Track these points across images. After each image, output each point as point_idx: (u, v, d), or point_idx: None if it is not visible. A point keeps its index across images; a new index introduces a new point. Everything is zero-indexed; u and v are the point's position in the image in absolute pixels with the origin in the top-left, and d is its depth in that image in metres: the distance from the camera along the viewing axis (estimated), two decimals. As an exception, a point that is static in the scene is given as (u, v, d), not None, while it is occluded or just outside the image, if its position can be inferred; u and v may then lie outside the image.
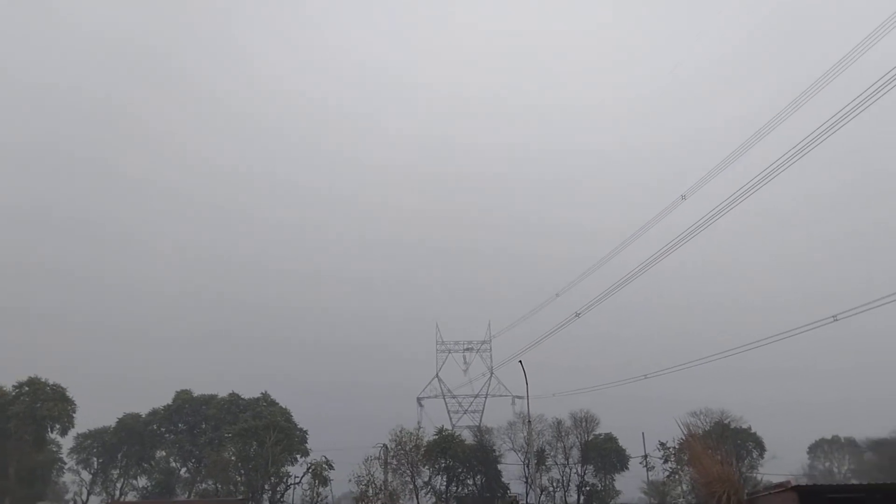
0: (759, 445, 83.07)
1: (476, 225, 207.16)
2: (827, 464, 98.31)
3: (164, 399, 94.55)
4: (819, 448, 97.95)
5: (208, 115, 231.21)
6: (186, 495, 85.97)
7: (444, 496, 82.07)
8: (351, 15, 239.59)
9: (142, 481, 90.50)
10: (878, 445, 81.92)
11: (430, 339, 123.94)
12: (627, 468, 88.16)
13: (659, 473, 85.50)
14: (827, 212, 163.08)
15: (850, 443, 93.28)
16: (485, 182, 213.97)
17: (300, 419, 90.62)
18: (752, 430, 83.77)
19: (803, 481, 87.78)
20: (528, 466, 78.20)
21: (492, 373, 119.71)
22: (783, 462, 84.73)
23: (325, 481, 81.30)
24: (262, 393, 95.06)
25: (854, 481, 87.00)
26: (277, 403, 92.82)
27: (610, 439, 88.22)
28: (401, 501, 77.58)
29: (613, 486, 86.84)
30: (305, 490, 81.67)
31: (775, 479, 78.21)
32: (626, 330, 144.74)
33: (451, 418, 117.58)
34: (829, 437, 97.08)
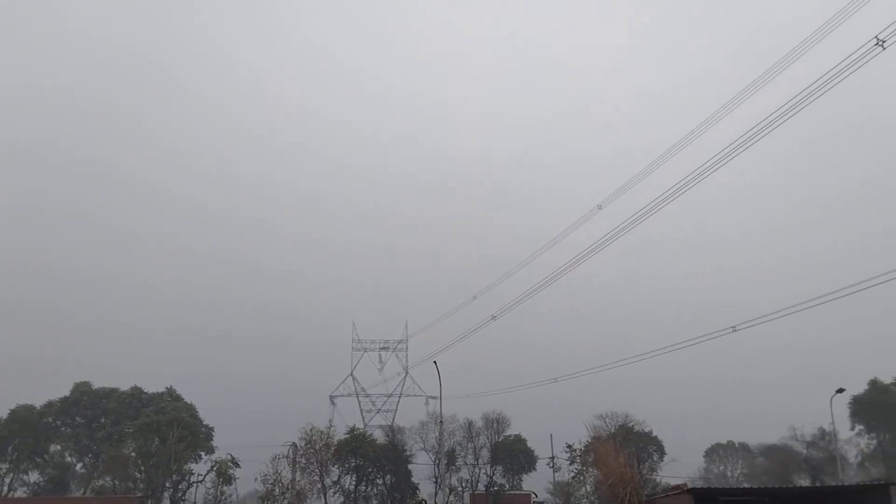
0: (660, 449, 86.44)
1: (398, 223, 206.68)
2: (721, 467, 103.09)
3: (62, 390, 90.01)
4: (715, 452, 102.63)
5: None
6: (81, 492, 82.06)
7: (352, 496, 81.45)
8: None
9: (33, 476, 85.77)
10: (769, 451, 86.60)
11: (347, 336, 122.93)
12: (535, 469, 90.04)
13: (565, 474, 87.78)
14: (748, 228, 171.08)
15: (744, 448, 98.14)
16: (408, 181, 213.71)
17: (207, 415, 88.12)
18: (654, 434, 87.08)
19: (699, 484, 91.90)
20: (438, 466, 78.57)
21: (407, 372, 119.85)
22: (681, 465, 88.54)
23: (229, 479, 79.24)
24: (166, 388, 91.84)
25: (746, 484, 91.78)
26: (183, 399, 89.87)
27: (519, 440, 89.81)
28: (308, 501, 76.49)
29: (521, 486, 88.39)
30: (209, 488, 79.40)
31: (673, 482, 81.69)
32: (543, 334, 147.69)
33: (363, 417, 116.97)
34: (724, 442, 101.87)
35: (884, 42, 29.00)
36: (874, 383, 76.60)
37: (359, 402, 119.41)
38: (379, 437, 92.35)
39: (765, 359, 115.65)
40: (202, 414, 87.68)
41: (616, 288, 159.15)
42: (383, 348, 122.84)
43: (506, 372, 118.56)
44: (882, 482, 35.52)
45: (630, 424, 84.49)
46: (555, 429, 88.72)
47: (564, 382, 66.44)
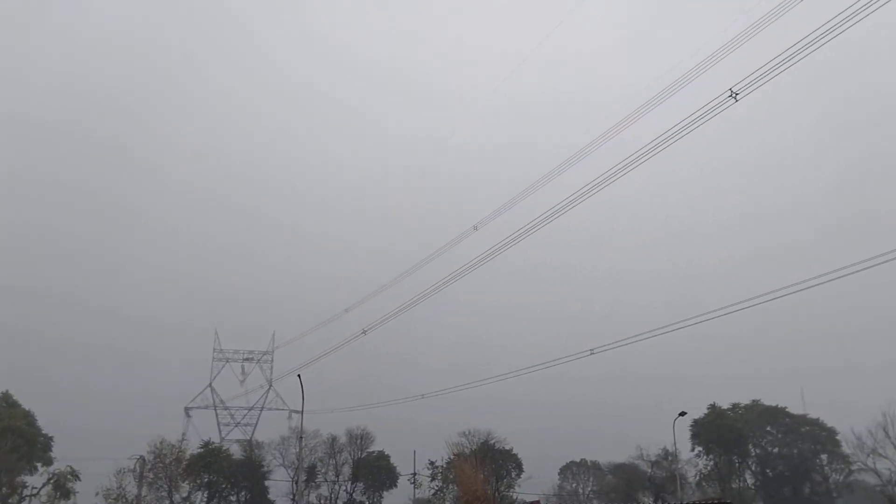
0: (519, 466, 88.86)
1: (268, 233, 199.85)
2: (574, 484, 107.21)
3: None
4: (568, 470, 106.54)
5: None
6: None
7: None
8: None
9: None
10: (618, 469, 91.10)
11: (208, 345, 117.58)
12: (396, 486, 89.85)
13: (426, 491, 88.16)
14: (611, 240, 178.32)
15: (595, 466, 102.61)
16: (277, 187, 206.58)
17: (47, 424, 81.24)
18: (514, 452, 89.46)
19: (552, 501, 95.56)
20: (296, 483, 76.57)
21: (270, 385, 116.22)
22: (538, 482, 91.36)
23: (67, 494, 73.45)
24: (1, 393, 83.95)
25: (595, 501, 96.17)
26: (20, 405, 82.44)
27: (382, 457, 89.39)
28: (154, 518, 72.34)
29: (381, 503, 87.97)
30: (44, 502, 73.26)
31: (529, 499, 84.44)
32: (414, 350, 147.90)
33: (220, 431, 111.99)
34: (577, 460, 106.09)
35: (737, 94, 31.52)
36: (713, 408, 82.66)
37: (216, 415, 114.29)
38: (236, 451, 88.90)
39: (623, 381, 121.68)
40: (42, 423, 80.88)
41: (493, 309, 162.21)
42: (247, 359, 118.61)
43: (375, 387, 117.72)
44: (716, 501, 38.36)
45: (492, 442, 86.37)
46: (421, 446, 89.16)
47: (433, 400, 66.94)
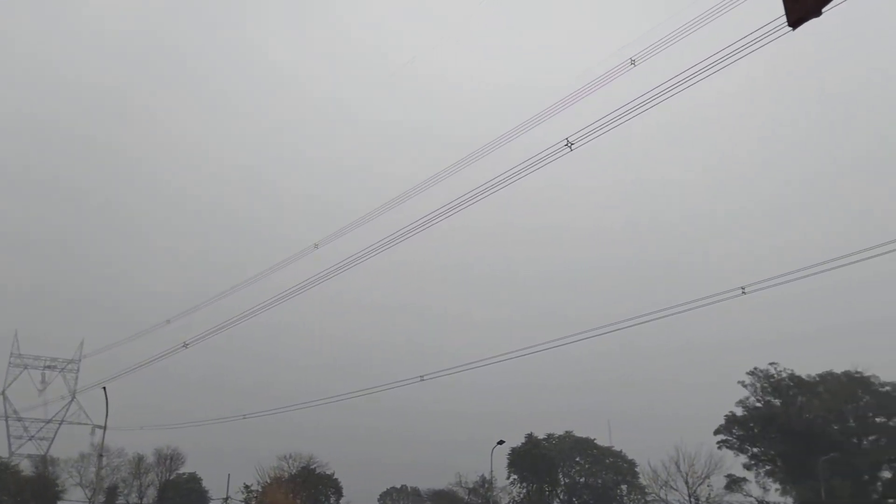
0: (338, 491, 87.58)
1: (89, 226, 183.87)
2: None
3: None
4: (388, 496, 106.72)
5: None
6: None
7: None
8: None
9: None
10: (436, 496, 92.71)
11: (5, 349, 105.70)
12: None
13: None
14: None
15: (415, 492, 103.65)
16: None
17: None
18: (335, 477, 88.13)
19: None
20: (93, 504, 70.38)
21: (73, 396, 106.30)
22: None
23: None
24: None
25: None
26: None
27: (193, 479, 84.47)
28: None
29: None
30: None
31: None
32: (236, 370, 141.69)
33: (10, 444, 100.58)
34: (398, 486, 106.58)
35: (572, 145, 33.25)
36: (530, 437, 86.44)
37: (7, 426, 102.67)
38: (26, 467, 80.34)
39: (454, 412, 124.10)
40: None
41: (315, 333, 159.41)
42: (49, 367, 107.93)
43: (195, 405, 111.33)
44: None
45: (312, 466, 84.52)
46: (238, 469, 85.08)
47: (255, 422, 64.26)
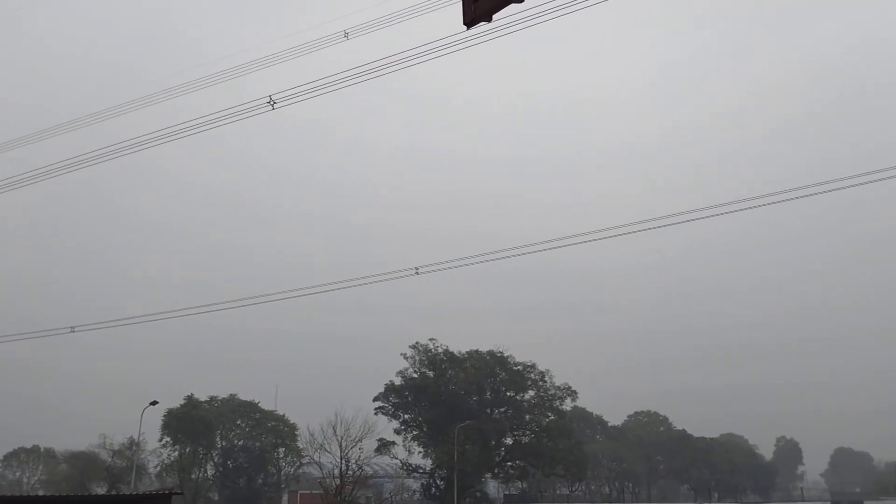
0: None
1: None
2: (19, 473, 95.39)
3: None
4: (15, 457, 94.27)
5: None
6: None
7: None
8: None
9: None
10: (73, 457, 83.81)
11: None
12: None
13: None
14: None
15: (49, 453, 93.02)
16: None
17: None
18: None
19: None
20: None
21: None
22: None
23: None
24: None
25: (41, 491, 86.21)
26: None
27: None
28: None
29: None
30: None
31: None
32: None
33: None
34: (29, 446, 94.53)
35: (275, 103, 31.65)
36: (190, 399, 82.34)
37: None
38: None
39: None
40: None
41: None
42: None
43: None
44: (165, 492, 37.66)
45: None
46: None
47: None
